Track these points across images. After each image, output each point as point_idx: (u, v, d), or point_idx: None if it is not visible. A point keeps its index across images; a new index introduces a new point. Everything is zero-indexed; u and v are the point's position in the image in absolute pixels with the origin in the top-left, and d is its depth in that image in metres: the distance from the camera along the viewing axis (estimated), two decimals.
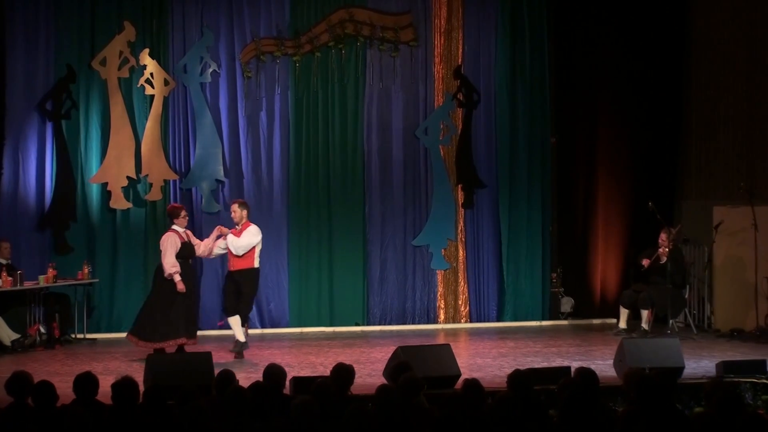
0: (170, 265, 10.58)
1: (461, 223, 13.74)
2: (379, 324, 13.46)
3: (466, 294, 13.70)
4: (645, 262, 12.22)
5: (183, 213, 10.97)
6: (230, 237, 10.87)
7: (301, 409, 5.71)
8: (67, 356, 11.17)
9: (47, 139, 12.93)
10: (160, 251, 10.74)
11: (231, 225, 11.06)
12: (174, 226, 10.84)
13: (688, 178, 13.59)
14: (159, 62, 13.11)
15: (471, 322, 13.63)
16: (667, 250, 12.10)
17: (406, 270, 13.62)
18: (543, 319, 13.67)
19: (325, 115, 13.47)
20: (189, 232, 11.08)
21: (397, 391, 6.17)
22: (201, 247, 10.99)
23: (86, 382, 6.24)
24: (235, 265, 10.90)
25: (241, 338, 10.87)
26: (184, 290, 10.59)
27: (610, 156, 13.91)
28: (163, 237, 10.83)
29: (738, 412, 5.46)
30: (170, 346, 10.61)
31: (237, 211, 10.94)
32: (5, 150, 12.79)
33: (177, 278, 10.55)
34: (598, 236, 13.88)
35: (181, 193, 13.18)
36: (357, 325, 13.40)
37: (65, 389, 6.47)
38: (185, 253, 10.74)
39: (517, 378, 6.31)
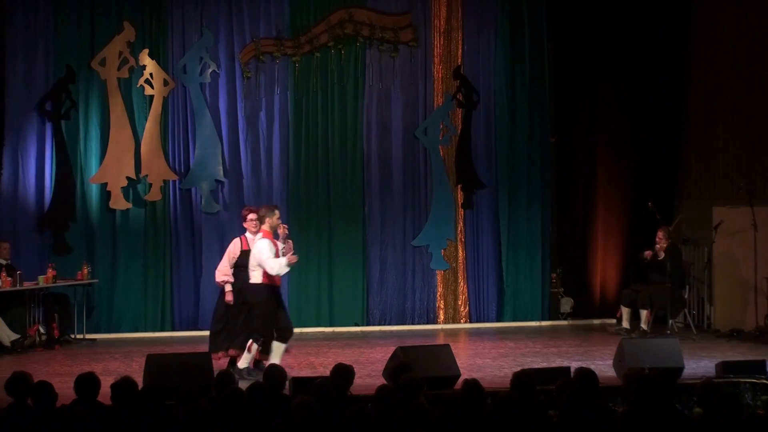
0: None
1: (461, 223, 13.73)
2: (379, 324, 13.45)
3: (466, 294, 13.70)
4: (648, 254, 12.24)
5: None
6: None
7: (301, 409, 5.71)
8: (66, 357, 11.17)
9: (47, 140, 12.94)
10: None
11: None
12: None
13: (688, 178, 13.59)
14: (158, 62, 13.12)
15: (470, 322, 13.62)
16: (664, 246, 12.12)
17: (405, 270, 13.61)
18: (542, 319, 13.67)
19: (324, 116, 13.47)
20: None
21: (397, 391, 6.17)
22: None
23: (88, 383, 6.23)
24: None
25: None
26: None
27: (609, 156, 13.91)
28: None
29: (735, 412, 5.45)
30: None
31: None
32: (5, 150, 12.80)
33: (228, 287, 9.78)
34: (597, 236, 13.88)
35: (181, 194, 13.18)
36: (356, 325, 13.39)
37: (65, 389, 6.47)
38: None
39: (522, 378, 6.28)
